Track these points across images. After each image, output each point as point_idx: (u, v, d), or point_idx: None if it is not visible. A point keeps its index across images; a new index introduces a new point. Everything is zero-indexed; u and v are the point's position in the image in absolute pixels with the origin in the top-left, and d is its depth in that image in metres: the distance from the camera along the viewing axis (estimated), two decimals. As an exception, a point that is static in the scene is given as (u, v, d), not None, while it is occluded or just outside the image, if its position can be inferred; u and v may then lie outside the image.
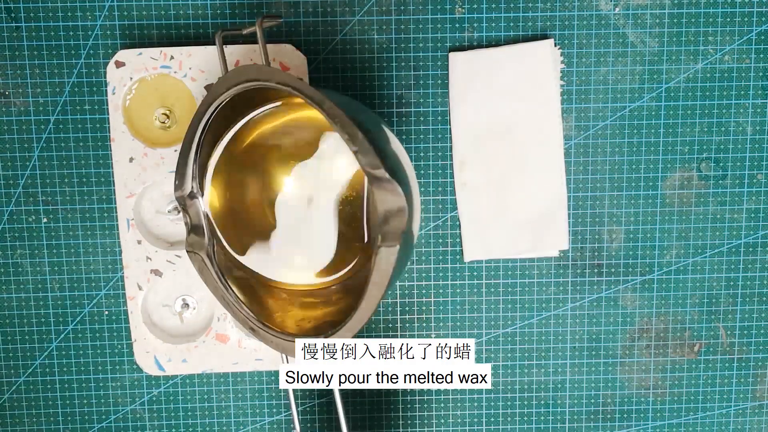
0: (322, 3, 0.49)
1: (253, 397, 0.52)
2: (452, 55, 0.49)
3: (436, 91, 0.50)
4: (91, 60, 0.49)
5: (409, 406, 0.52)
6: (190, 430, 0.52)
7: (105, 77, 0.49)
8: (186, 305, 0.50)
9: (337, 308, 0.45)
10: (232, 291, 0.45)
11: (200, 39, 0.49)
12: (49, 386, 0.52)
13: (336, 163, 0.46)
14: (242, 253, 0.47)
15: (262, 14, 0.46)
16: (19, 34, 0.49)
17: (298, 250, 0.47)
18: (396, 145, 0.41)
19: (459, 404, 0.52)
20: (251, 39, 0.49)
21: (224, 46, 0.47)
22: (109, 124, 0.49)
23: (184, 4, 0.49)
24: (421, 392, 0.52)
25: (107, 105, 0.49)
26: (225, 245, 0.46)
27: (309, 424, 0.53)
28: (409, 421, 0.53)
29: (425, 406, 0.52)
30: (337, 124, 0.38)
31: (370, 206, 0.46)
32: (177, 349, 0.49)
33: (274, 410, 0.52)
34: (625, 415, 0.53)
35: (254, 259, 0.47)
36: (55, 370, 0.52)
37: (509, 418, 0.53)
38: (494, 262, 0.51)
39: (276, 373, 0.52)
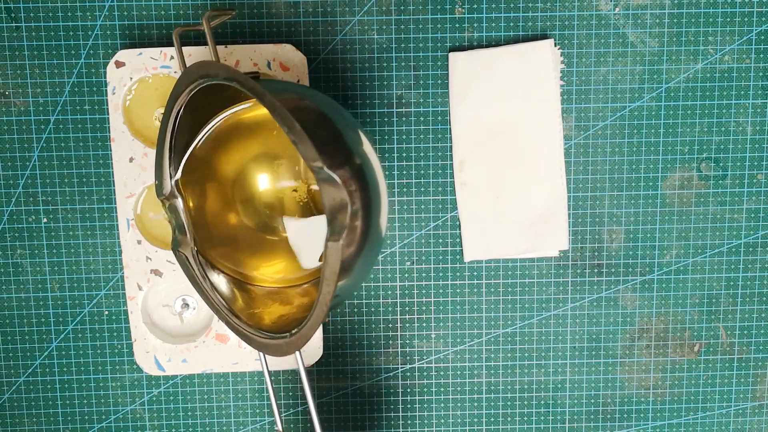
0: (322, 3, 0.49)
1: (253, 397, 0.52)
2: (452, 55, 0.49)
3: (436, 91, 0.50)
4: (91, 60, 0.49)
5: (409, 406, 0.52)
6: (190, 430, 0.52)
7: (105, 77, 0.49)
8: (186, 305, 0.50)
9: (305, 304, 0.45)
10: (214, 290, 0.45)
11: (200, 39, 0.49)
12: (49, 386, 0.52)
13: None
14: (219, 251, 0.47)
15: (207, 10, 0.46)
16: (19, 34, 0.49)
17: (272, 247, 0.47)
18: (368, 148, 0.41)
19: (459, 404, 0.52)
20: (252, 39, 0.49)
21: (225, 45, 0.47)
22: (109, 124, 0.49)
23: (184, 4, 0.49)
24: (421, 392, 0.52)
25: (107, 105, 0.49)
26: (205, 244, 0.46)
27: (309, 424, 0.53)
28: (409, 421, 0.53)
29: (425, 406, 0.52)
30: (276, 116, 0.37)
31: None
32: (177, 349, 0.49)
33: (274, 410, 0.52)
34: (625, 415, 0.53)
35: (228, 257, 0.47)
36: (55, 370, 0.52)
37: (509, 418, 0.53)
38: (494, 262, 0.51)
39: (276, 373, 0.52)
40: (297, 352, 0.44)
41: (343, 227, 0.37)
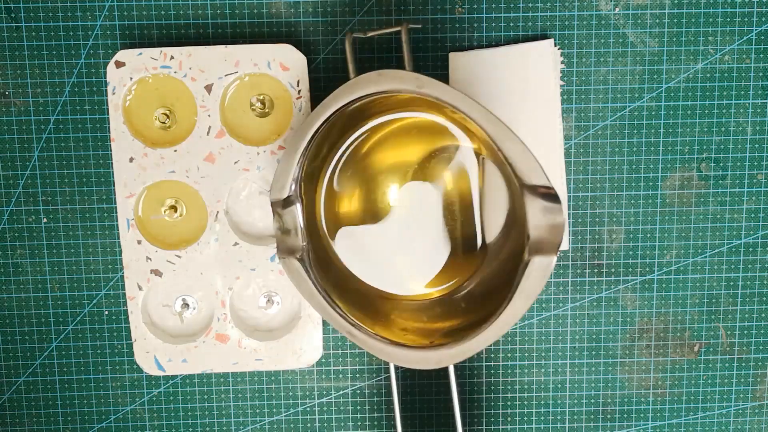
0: (322, 3, 0.49)
1: (253, 397, 0.52)
2: (452, 55, 0.49)
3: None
4: (91, 60, 0.49)
5: (409, 406, 0.52)
6: (190, 430, 0.52)
7: (105, 77, 0.49)
8: (186, 305, 0.50)
9: (459, 321, 0.45)
10: (330, 297, 0.45)
11: (200, 39, 0.49)
12: (49, 386, 0.52)
13: (447, 175, 0.46)
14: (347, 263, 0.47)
15: (405, 20, 0.46)
16: (19, 34, 0.49)
17: (407, 261, 0.47)
18: None
19: (459, 404, 0.52)
20: (255, 39, 0.49)
21: (225, 45, 0.47)
22: (109, 124, 0.49)
23: (184, 4, 0.49)
24: (421, 392, 0.52)
25: (107, 105, 0.49)
26: (338, 256, 0.47)
27: (309, 424, 0.53)
28: (409, 422, 0.53)
29: (425, 406, 0.52)
30: (501, 136, 0.38)
31: (484, 213, 0.46)
32: (177, 349, 0.49)
33: (274, 410, 0.52)
34: (625, 415, 0.53)
35: (361, 269, 0.47)
36: (55, 370, 0.52)
37: (509, 418, 0.53)
38: (494, 262, 0.51)
39: (276, 373, 0.52)
40: (451, 366, 0.44)
41: (555, 243, 0.39)
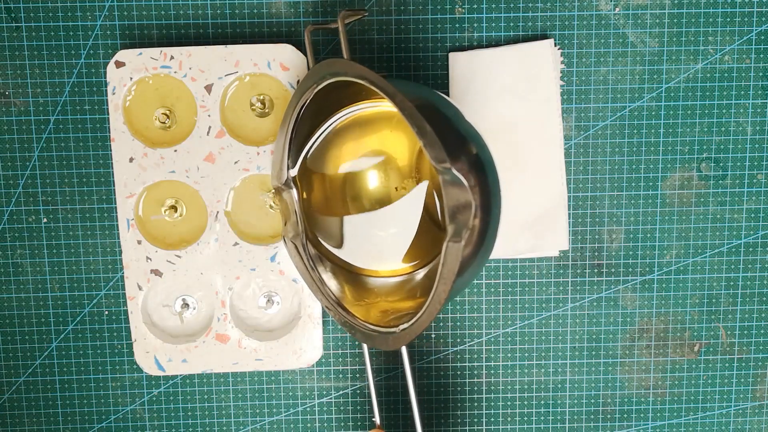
0: (322, 3, 0.49)
1: (253, 397, 0.52)
2: (452, 55, 0.49)
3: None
4: (91, 60, 0.49)
5: (409, 406, 0.52)
6: (190, 430, 0.52)
7: (105, 77, 0.49)
8: (186, 305, 0.50)
9: (418, 302, 0.46)
10: (321, 280, 0.46)
11: (200, 39, 0.49)
12: (49, 386, 0.52)
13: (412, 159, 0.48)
14: (335, 244, 0.48)
15: (342, 9, 0.47)
16: (19, 34, 0.49)
17: (384, 237, 0.48)
18: (487, 152, 0.41)
19: (459, 404, 0.52)
20: (254, 39, 0.49)
21: (225, 45, 0.47)
22: (109, 124, 0.49)
23: (184, 4, 0.49)
24: (422, 392, 0.52)
25: (107, 105, 0.49)
26: (316, 235, 0.48)
27: (309, 424, 0.53)
28: (408, 421, 0.53)
29: (425, 406, 0.52)
30: (406, 116, 0.38)
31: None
32: (177, 349, 0.49)
33: (274, 410, 0.52)
34: (625, 415, 0.53)
35: (342, 249, 0.49)
36: (55, 370, 0.52)
37: (509, 418, 0.53)
38: (494, 262, 0.51)
39: (276, 373, 0.52)
40: (403, 348, 0.44)
41: (465, 228, 0.38)
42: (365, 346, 0.47)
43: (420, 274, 0.48)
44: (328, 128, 0.47)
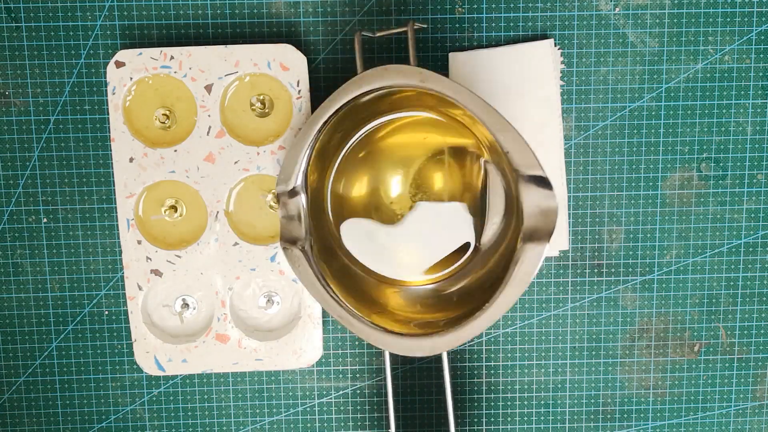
0: (322, 3, 0.49)
1: (253, 397, 0.52)
2: (452, 55, 0.49)
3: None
4: (91, 60, 0.49)
5: (409, 406, 0.52)
6: (190, 430, 0.52)
7: (105, 77, 0.49)
8: (186, 305, 0.50)
9: (451, 312, 0.46)
10: (329, 286, 0.46)
11: (200, 39, 0.49)
12: (49, 386, 0.52)
13: (450, 172, 0.47)
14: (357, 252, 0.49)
15: (410, 19, 0.47)
16: (19, 34, 0.49)
17: (407, 249, 0.48)
18: None
19: (459, 404, 0.52)
20: (255, 39, 0.49)
21: (225, 45, 0.47)
22: (109, 124, 0.49)
23: (184, 4, 0.49)
24: (422, 392, 0.52)
25: (107, 105, 0.49)
26: (343, 243, 0.48)
27: (309, 424, 0.53)
28: (408, 421, 0.53)
29: (425, 406, 0.52)
30: (495, 125, 0.40)
31: (489, 205, 0.47)
32: (177, 349, 0.49)
33: (274, 410, 0.52)
34: (625, 415, 0.53)
35: (363, 256, 0.48)
36: (55, 370, 0.52)
37: (509, 418, 0.53)
38: (494, 262, 0.51)
39: (276, 373, 0.52)
40: (444, 353, 0.45)
41: (547, 231, 0.40)
42: (386, 351, 0.46)
43: (451, 287, 0.48)
44: (361, 135, 0.47)
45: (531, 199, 0.40)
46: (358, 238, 0.48)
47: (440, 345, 0.43)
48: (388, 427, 0.52)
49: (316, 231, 0.47)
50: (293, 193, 0.46)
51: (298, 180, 0.45)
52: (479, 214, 0.47)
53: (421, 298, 0.48)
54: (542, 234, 0.40)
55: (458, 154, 0.47)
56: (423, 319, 0.45)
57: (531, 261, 0.40)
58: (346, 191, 0.48)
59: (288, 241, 0.46)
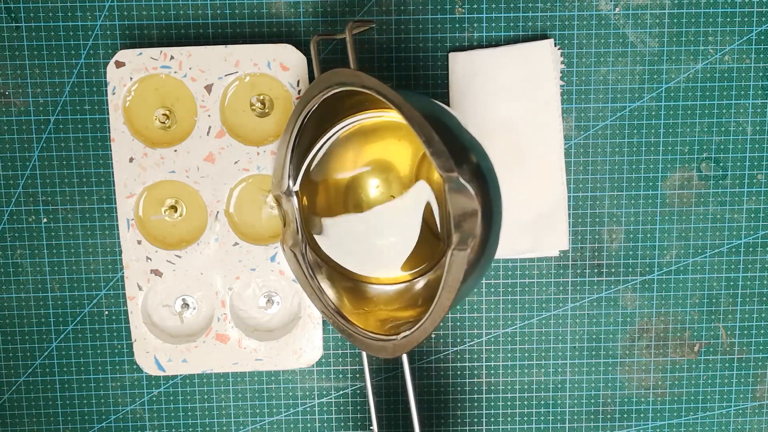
0: (322, 3, 0.49)
1: (253, 397, 0.52)
2: (452, 55, 0.49)
3: (436, 91, 0.50)
4: (91, 60, 0.49)
5: (409, 406, 0.52)
6: (190, 430, 0.52)
7: (105, 77, 0.49)
8: (186, 305, 0.50)
9: (418, 311, 0.46)
10: (321, 289, 0.47)
11: (200, 39, 0.49)
12: (49, 386, 0.52)
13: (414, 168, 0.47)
14: (335, 250, 0.49)
15: (350, 21, 0.47)
16: (19, 34, 0.49)
17: (383, 245, 0.48)
18: (489, 163, 0.41)
19: (459, 404, 0.52)
20: (254, 39, 0.49)
21: (225, 45, 0.47)
22: (109, 124, 0.49)
23: (184, 4, 0.49)
24: (422, 392, 0.52)
25: (107, 105, 0.49)
26: (316, 241, 0.48)
27: (309, 424, 0.53)
28: (409, 421, 0.53)
29: (425, 406, 0.52)
30: (415, 126, 0.38)
31: (446, 207, 0.47)
32: (177, 349, 0.49)
33: (274, 410, 0.52)
34: (625, 415, 0.53)
35: (342, 257, 0.48)
36: (55, 370, 0.52)
37: (509, 418, 0.53)
38: (494, 262, 0.51)
39: (276, 373, 0.52)
40: (404, 355, 0.44)
41: (471, 236, 0.38)
42: (364, 353, 0.47)
43: (420, 283, 0.48)
44: (331, 137, 0.47)
45: (455, 202, 0.38)
46: (336, 238, 0.48)
47: (398, 348, 0.42)
48: (370, 424, 0.52)
49: (308, 232, 0.48)
50: (287, 194, 0.46)
51: (288, 182, 0.46)
52: (435, 205, 0.47)
53: (401, 294, 0.48)
54: (465, 240, 0.38)
55: (418, 150, 0.47)
56: (404, 317, 0.45)
57: (456, 267, 0.38)
58: (324, 190, 0.48)
59: (287, 242, 0.47)
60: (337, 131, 0.47)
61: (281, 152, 0.46)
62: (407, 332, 0.42)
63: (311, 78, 0.49)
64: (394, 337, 0.42)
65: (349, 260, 0.48)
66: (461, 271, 0.38)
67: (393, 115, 0.46)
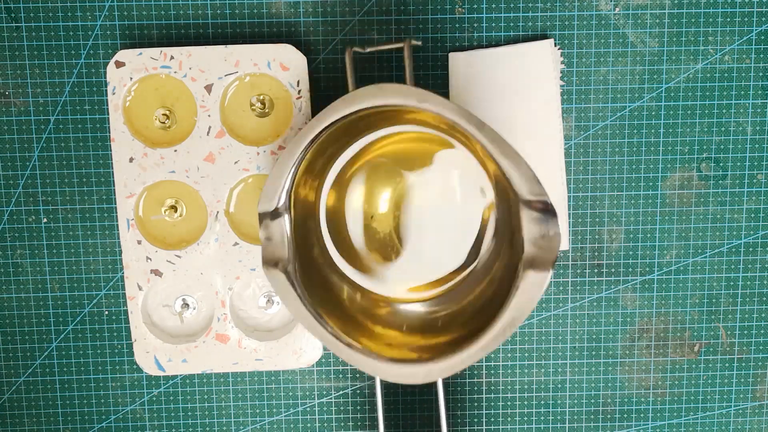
0: (322, 3, 0.49)
1: (253, 397, 0.52)
2: (452, 55, 0.49)
3: (435, 92, 0.50)
4: (91, 60, 0.49)
5: (409, 406, 0.52)
6: (190, 430, 0.52)
7: (105, 77, 0.49)
8: (186, 305, 0.50)
9: (437, 339, 0.44)
10: (313, 309, 0.44)
11: (200, 39, 0.49)
12: (49, 386, 0.52)
13: (449, 183, 0.47)
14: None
15: (408, 38, 0.45)
16: (19, 34, 0.49)
17: (396, 264, 0.47)
18: None
19: (459, 404, 0.52)
20: (253, 39, 0.49)
21: (225, 45, 0.47)
22: (109, 124, 0.49)
23: (184, 4, 0.49)
24: (422, 392, 0.52)
25: (107, 105, 0.49)
26: (330, 258, 0.47)
27: (309, 424, 0.53)
28: (409, 421, 0.53)
29: (425, 406, 0.52)
30: (497, 149, 0.37)
31: (486, 230, 0.46)
32: (177, 349, 0.49)
33: (274, 410, 0.52)
34: (625, 415, 0.53)
35: (349, 269, 0.48)
36: (55, 370, 0.52)
37: (509, 418, 0.53)
38: (494, 262, 0.51)
39: (276, 373, 0.52)
40: (439, 380, 0.44)
41: (550, 259, 0.37)
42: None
43: (439, 307, 0.47)
44: (351, 154, 0.46)
45: (532, 224, 0.38)
46: (346, 249, 0.48)
47: (434, 372, 0.41)
48: (377, 428, 0.52)
49: (301, 252, 0.46)
50: (275, 214, 0.44)
51: (281, 200, 0.44)
52: (472, 233, 0.47)
53: (408, 319, 0.47)
54: (544, 262, 0.38)
55: (453, 168, 0.46)
56: (411, 343, 0.44)
57: (532, 289, 0.38)
58: (339, 205, 0.47)
59: (269, 262, 0.44)
60: (359, 147, 0.46)
61: (282, 166, 0.43)
62: (445, 356, 0.40)
63: (311, 78, 0.49)
64: (424, 361, 0.41)
65: (352, 272, 0.48)
66: (539, 294, 0.38)
67: (413, 129, 0.46)
